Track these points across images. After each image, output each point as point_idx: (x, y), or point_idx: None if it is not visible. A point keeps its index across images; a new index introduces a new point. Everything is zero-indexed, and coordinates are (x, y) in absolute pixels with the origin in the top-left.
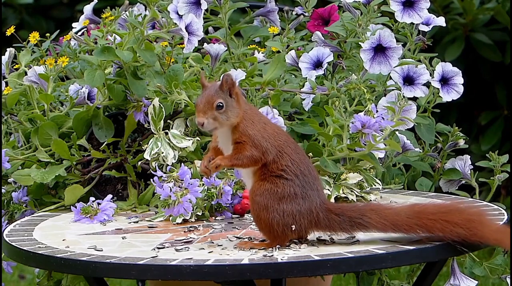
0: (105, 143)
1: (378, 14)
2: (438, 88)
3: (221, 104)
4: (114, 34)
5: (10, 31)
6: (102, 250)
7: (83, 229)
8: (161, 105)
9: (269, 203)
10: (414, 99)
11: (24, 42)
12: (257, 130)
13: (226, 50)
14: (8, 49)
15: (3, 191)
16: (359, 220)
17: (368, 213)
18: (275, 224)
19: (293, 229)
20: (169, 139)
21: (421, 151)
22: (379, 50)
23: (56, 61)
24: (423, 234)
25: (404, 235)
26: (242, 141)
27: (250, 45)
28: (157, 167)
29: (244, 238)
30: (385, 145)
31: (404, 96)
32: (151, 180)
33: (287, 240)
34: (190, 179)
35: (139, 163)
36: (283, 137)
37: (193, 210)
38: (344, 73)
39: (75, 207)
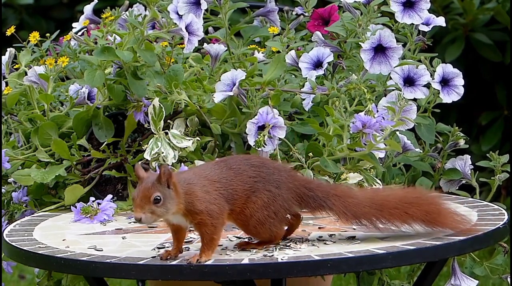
0: (105, 143)
1: (378, 14)
2: (438, 90)
3: (159, 198)
4: (114, 34)
5: (10, 31)
6: (102, 250)
7: (83, 229)
8: (161, 105)
9: (260, 217)
10: (414, 99)
11: (24, 42)
12: (204, 201)
13: (226, 50)
14: (8, 49)
15: (3, 191)
16: (323, 202)
17: (333, 198)
18: (273, 227)
19: (289, 218)
20: (169, 139)
21: (421, 151)
22: (379, 50)
23: (56, 61)
24: (383, 226)
25: (365, 226)
26: (199, 221)
27: (250, 45)
28: (157, 167)
29: (244, 238)
30: (386, 145)
31: (404, 97)
32: None
33: (283, 232)
34: None
35: (139, 163)
36: (222, 175)
37: None
38: (344, 73)
39: (75, 207)
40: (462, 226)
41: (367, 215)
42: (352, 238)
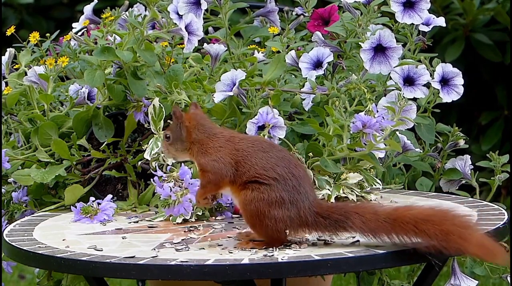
0: (105, 143)
1: (378, 15)
2: (438, 89)
3: (168, 136)
4: (114, 34)
5: (10, 31)
6: (102, 250)
7: (83, 229)
8: (161, 105)
9: (260, 211)
10: (414, 99)
11: (24, 42)
12: (208, 155)
13: (226, 50)
14: (8, 49)
15: (3, 191)
16: (343, 223)
17: (352, 217)
18: (269, 230)
19: (287, 233)
20: None
21: (421, 150)
22: (379, 50)
23: (56, 61)
24: (403, 240)
25: (385, 241)
26: (200, 171)
27: (250, 45)
28: (157, 167)
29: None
30: (386, 145)
31: (404, 97)
32: (151, 179)
33: (284, 241)
34: (190, 178)
35: (139, 163)
36: (248, 150)
37: (193, 209)
38: (344, 73)
39: (75, 207)
40: (488, 256)
41: (381, 230)
42: (352, 238)
